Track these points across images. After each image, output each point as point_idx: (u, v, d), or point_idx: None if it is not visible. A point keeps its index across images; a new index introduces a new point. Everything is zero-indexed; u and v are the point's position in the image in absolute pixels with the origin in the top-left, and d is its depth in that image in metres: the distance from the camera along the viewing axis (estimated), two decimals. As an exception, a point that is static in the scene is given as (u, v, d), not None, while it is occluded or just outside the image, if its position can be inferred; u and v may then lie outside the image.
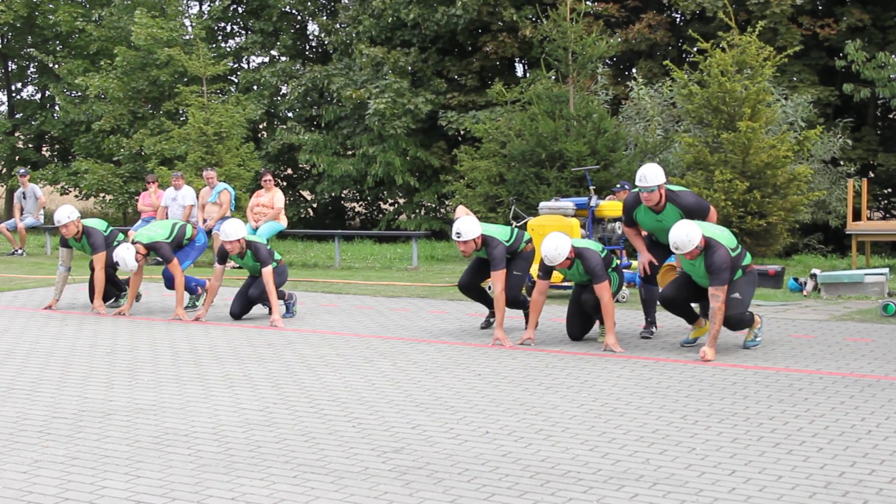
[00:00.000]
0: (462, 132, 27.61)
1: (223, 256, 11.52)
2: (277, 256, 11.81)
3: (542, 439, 6.32)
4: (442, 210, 29.15)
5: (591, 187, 14.74)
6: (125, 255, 11.61)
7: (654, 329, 10.32)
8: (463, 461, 5.86)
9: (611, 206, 13.57)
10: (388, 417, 6.93)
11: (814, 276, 13.54)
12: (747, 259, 9.37)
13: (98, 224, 12.61)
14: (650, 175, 9.51)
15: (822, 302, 12.80)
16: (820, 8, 27.06)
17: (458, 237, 9.97)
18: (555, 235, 9.57)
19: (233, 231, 11.18)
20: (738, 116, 16.79)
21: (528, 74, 28.94)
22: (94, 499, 5.24)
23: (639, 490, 5.31)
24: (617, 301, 10.98)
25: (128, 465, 5.84)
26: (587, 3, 25.22)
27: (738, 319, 9.24)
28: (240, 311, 11.77)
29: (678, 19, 28.86)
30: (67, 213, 12.22)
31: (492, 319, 10.72)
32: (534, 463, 5.81)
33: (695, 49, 17.72)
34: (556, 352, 9.51)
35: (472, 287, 10.77)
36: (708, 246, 8.98)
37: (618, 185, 16.01)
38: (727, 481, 5.43)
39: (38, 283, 15.45)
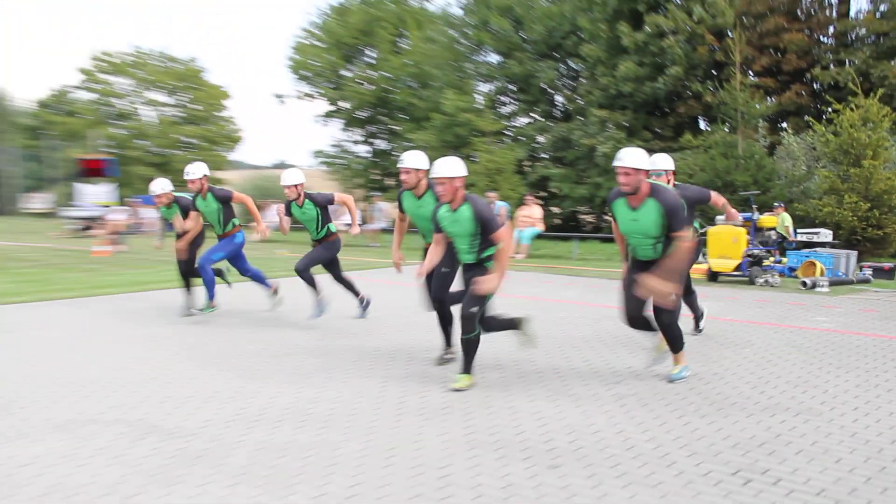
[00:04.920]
0: (661, 168, 27.06)
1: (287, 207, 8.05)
2: (333, 229, 8.15)
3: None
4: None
5: (754, 206, 14.35)
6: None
7: (701, 324, 7.50)
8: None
9: (767, 220, 13.25)
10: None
11: (918, 271, 12.68)
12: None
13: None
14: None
15: (923, 290, 11.81)
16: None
17: None
18: None
19: (290, 178, 7.86)
20: (863, 157, 15.92)
21: (708, 128, 28.08)
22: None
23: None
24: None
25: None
26: (751, 77, 24.29)
27: (668, 322, 5.63)
28: (303, 267, 7.98)
29: (818, 88, 27.21)
30: (161, 185, 8.57)
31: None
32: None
33: (830, 109, 16.88)
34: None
35: None
36: (654, 190, 5.43)
37: (776, 204, 15.56)
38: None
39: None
